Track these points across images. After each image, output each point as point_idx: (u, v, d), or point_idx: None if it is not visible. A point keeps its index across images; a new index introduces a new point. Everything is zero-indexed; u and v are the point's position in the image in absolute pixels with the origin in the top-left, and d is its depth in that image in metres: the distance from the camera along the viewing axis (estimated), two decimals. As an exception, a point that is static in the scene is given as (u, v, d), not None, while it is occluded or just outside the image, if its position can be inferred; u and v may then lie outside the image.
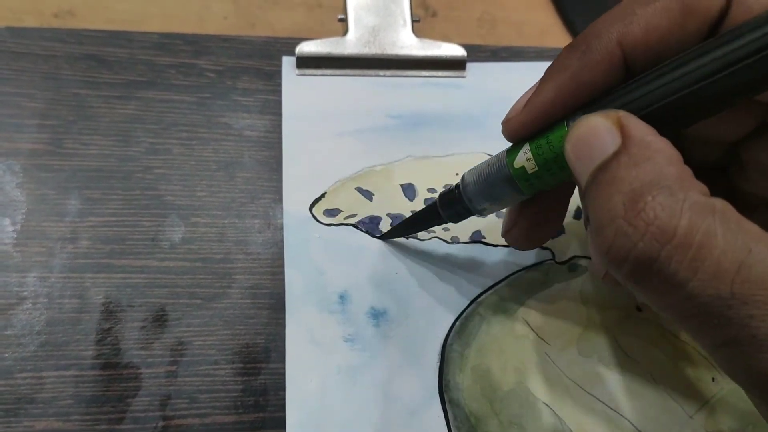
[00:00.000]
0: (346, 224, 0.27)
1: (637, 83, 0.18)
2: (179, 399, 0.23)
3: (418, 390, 0.24)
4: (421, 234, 0.27)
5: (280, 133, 0.30)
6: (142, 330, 0.24)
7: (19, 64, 0.30)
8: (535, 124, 0.20)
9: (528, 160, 0.20)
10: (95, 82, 0.30)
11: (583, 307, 0.26)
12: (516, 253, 0.28)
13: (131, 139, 0.29)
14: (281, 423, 0.23)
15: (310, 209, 0.28)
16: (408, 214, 0.28)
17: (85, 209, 0.27)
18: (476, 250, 0.27)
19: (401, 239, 0.27)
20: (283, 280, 0.26)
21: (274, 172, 0.29)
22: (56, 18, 0.32)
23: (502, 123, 0.21)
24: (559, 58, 0.19)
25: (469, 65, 0.33)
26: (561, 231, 0.28)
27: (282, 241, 0.27)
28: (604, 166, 0.17)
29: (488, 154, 0.31)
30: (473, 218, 0.28)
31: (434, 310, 0.26)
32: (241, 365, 0.24)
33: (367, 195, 0.28)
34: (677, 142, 0.17)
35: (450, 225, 0.28)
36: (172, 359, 0.24)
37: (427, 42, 0.33)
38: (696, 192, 0.15)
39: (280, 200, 0.28)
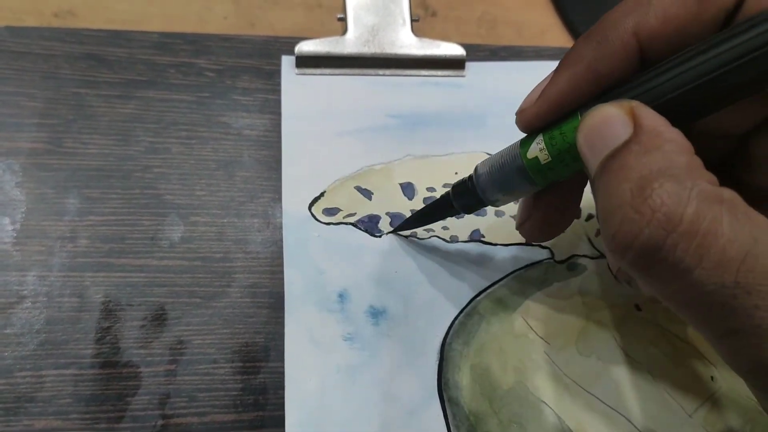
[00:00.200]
0: (346, 223, 0.27)
1: (651, 74, 0.18)
2: (178, 398, 0.23)
3: (417, 389, 0.24)
4: (420, 233, 0.27)
5: (279, 132, 0.30)
6: (141, 329, 0.24)
7: (18, 64, 0.30)
8: (549, 115, 0.20)
9: (541, 150, 0.20)
10: (95, 81, 0.30)
11: (582, 306, 0.26)
12: (515, 252, 0.28)
13: (131, 139, 0.29)
14: (280, 422, 0.23)
15: (309, 208, 0.28)
16: (407, 213, 0.28)
17: (85, 208, 0.27)
18: (475, 249, 0.27)
19: (401, 238, 0.27)
20: (283, 279, 0.26)
21: (273, 172, 0.29)
22: (56, 18, 0.32)
23: (516, 114, 0.21)
24: (574, 49, 0.19)
25: (468, 65, 0.33)
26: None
27: (281, 240, 0.27)
28: (614, 154, 0.17)
29: (487, 153, 0.31)
30: (472, 217, 0.28)
31: (433, 308, 0.26)
32: (240, 364, 0.24)
33: (367, 194, 0.28)
34: (686, 135, 0.17)
35: (449, 224, 0.28)
36: (171, 358, 0.24)
37: (427, 41, 0.33)
38: (704, 181, 0.15)
39: (279, 199, 0.28)
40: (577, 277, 0.27)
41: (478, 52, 0.34)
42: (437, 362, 0.24)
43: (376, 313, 0.25)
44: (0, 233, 0.26)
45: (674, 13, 0.18)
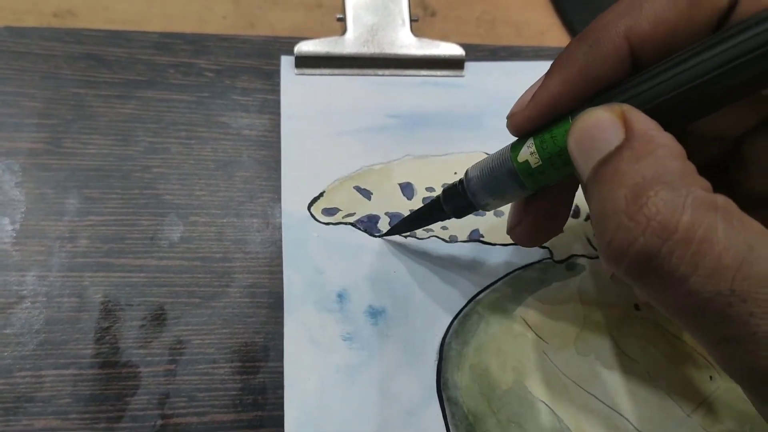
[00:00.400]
0: (345, 223, 0.27)
1: (643, 77, 0.18)
2: (178, 398, 0.23)
3: (416, 388, 0.24)
4: (420, 233, 0.27)
5: (278, 132, 0.30)
6: (140, 329, 0.24)
7: (18, 64, 0.30)
8: (541, 119, 0.20)
9: (532, 154, 0.20)
10: (94, 81, 0.30)
11: (581, 307, 0.26)
12: (514, 252, 0.28)
13: (130, 139, 0.29)
14: (279, 421, 0.23)
15: (309, 208, 0.28)
16: (407, 213, 0.28)
17: (84, 208, 0.27)
18: (474, 249, 0.27)
19: (400, 238, 0.27)
20: (282, 279, 0.26)
21: (272, 172, 0.29)
22: (56, 18, 0.32)
23: (507, 117, 0.21)
24: (565, 52, 0.19)
25: (467, 64, 0.33)
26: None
27: (280, 240, 0.27)
28: (606, 160, 0.16)
29: (486, 153, 0.31)
30: (471, 217, 0.28)
31: (432, 308, 0.26)
32: (239, 364, 0.24)
33: (366, 194, 0.28)
34: (679, 139, 0.17)
35: (448, 224, 0.28)
36: (170, 358, 0.24)
37: (426, 41, 0.33)
38: (698, 188, 0.15)
39: (279, 199, 0.28)
40: (575, 277, 0.27)
41: (478, 52, 0.34)
42: (436, 362, 0.24)
43: (375, 313, 0.25)
44: (-1, 233, 0.26)
45: (666, 16, 0.18)
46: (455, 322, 0.25)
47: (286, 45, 0.32)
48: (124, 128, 0.29)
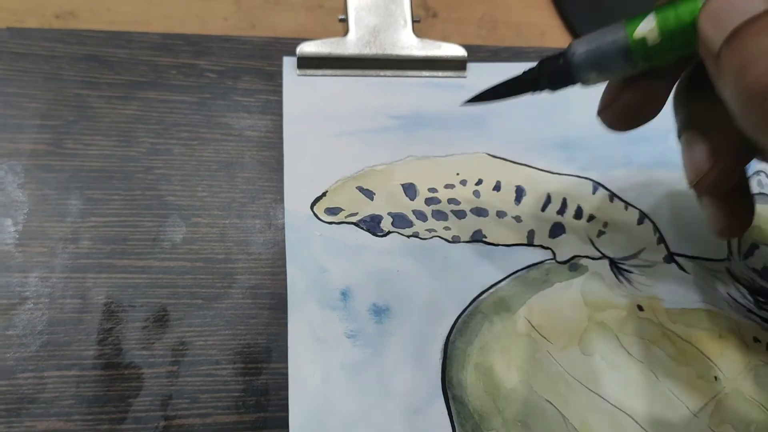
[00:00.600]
0: (348, 222, 0.27)
1: None
2: (180, 399, 0.23)
3: (421, 386, 0.24)
4: (423, 233, 0.27)
5: (280, 133, 0.30)
6: (143, 330, 0.24)
7: (20, 65, 0.30)
8: None
9: (651, 31, 0.19)
10: (96, 82, 0.30)
11: (585, 307, 0.26)
12: (517, 252, 0.28)
13: (132, 140, 0.29)
14: (283, 423, 0.23)
15: (312, 207, 0.28)
16: (409, 214, 0.28)
17: (87, 209, 0.27)
18: (477, 250, 0.27)
19: (401, 237, 0.27)
20: (284, 280, 0.26)
21: (274, 173, 0.29)
22: (57, 19, 0.32)
23: None
24: None
25: (469, 65, 0.33)
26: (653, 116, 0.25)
27: (283, 241, 0.27)
28: (751, 20, 0.16)
29: (489, 155, 0.31)
30: (474, 218, 0.28)
31: (436, 307, 0.26)
32: (242, 365, 0.24)
33: (368, 194, 0.28)
34: None
35: (451, 224, 0.28)
36: (173, 359, 0.24)
37: (428, 42, 0.33)
38: None
39: (281, 200, 0.28)
40: (579, 278, 0.27)
41: (479, 53, 0.34)
42: (441, 360, 0.24)
43: (379, 311, 0.25)
44: (2, 234, 0.26)
45: None
46: (459, 321, 0.25)
47: (288, 46, 0.32)
48: (126, 129, 0.29)
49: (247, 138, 0.30)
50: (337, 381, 0.23)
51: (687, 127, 0.23)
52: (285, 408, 0.23)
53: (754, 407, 0.24)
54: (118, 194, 0.27)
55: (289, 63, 0.32)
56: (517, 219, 0.29)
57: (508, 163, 0.30)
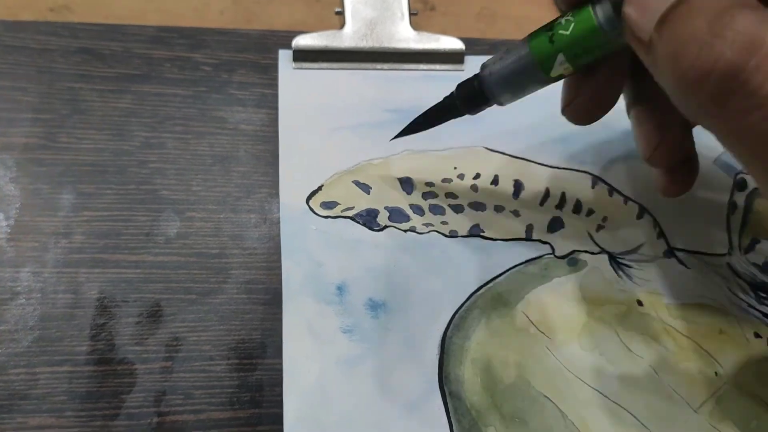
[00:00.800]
0: (344, 217, 0.27)
1: None
2: (174, 395, 0.23)
3: (417, 382, 0.23)
4: (420, 227, 0.27)
5: (276, 127, 0.30)
6: (136, 325, 0.24)
7: (13, 58, 0.29)
8: None
9: (550, 45, 0.20)
10: (90, 75, 0.30)
11: (584, 302, 0.26)
12: (515, 247, 0.27)
13: (126, 133, 0.28)
14: (277, 419, 0.23)
15: (307, 201, 0.27)
16: (406, 208, 0.28)
17: (79, 204, 0.26)
18: (475, 244, 0.27)
19: (398, 232, 0.27)
20: (279, 275, 0.25)
21: (270, 167, 0.29)
22: (51, 12, 0.32)
23: None
24: None
25: (467, 58, 0.33)
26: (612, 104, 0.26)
27: (278, 235, 0.27)
28: (677, 3, 0.16)
29: (487, 148, 0.31)
30: (472, 212, 0.28)
31: (433, 302, 0.25)
32: (236, 361, 0.24)
33: (365, 188, 0.28)
34: None
35: (448, 218, 0.28)
36: (166, 355, 0.24)
37: (425, 35, 0.32)
38: None
39: (276, 195, 0.28)
40: (578, 273, 0.27)
41: (477, 46, 0.34)
42: (438, 356, 0.24)
43: (376, 306, 0.25)
44: (-7, 229, 0.25)
45: None
46: (456, 316, 0.25)
47: (284, 39, 0.32)
48: (119, 123, 0.29)
49: (242, 132, 0.29)
50: (333, 377, 0.23)
51: (634, 103, 0.24)
52: (280, 404, 0.23)
53: (755, 403, 0.24)
54: (111, 188, 0.27)
55: (284, 56, 0.32)
56: (516, 213, 0.28)
57: (507, 156, 0.30)
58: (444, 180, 0.29)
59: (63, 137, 0.28)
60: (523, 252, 0.27)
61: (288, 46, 0.31)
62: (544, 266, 0.27)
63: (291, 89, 0.31)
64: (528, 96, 0.23)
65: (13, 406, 0.22)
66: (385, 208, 0.28)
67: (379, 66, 0.32)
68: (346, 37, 0.32)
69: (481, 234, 0.27)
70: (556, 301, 0.26)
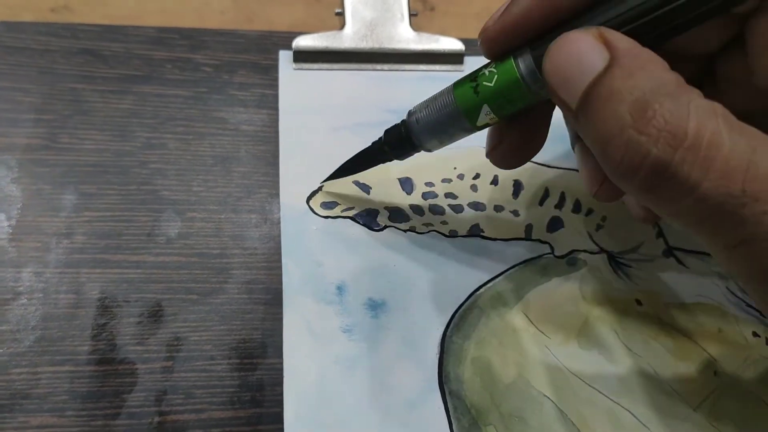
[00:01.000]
0: (344, 217, 0.27)
1: (614, 1, 0.18)
2: (175, 394, 0.23)
3: (417, 381, 0.24)
4: (419, 227, 0.27)
5: (276, 127, 0.30)
6: (137, 325, 0.24)
7: (14, 59, 0.30)
8: (513, 32, 0.19)
9: (473, 98, 0.21)
10: (91, 76, 0.30)
11: (583, 301, 0.26)
12: (514, 247, 0.27)
13: (127, 134, 0.29)
14: (278, 418, 0.23)
15: (307, 201, 0.27)
16: (406, 208, 0.28)
17: (81, 204, 0.27)
18: (474, 244, 0.27)
19: (398, 232, 0.27)
20: (280, 275, 0.26)
21: (270, 167, 0.29)
22: (52, 13, 0.32)
23: (479, 35, 0.20)
24: None
25: (467, 59, 0.33)
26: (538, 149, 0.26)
27: (278, 235, 0.27)
28: (597, 82, 0.16)
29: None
30: (472, 212, 0.28)
31: (433, 302, 0.25)
32: (237, 361, 0.24)
33: (365, 188, 0.28)
34: None
35: (448, 218, 0.28)
36: (168, 355, 0.24)
37: (425, 36, 0.32)
38: (696, 95, 0.16)
39: (277, 195, 0.28)
40: (577, 272, 0.27)
41: (477, 47, 0.34)
42: (437, 355, 0.24)
43: (375, 306, 0.25)
44: (-5, 229, 0.26)
45: None
46: (456, 315, 0.25)
47: (284, 39, 0.32)
48: (121, 124, 0.29)
49: (242, 132, 0.30)
50: (333, 376, 0.23)
51: (577, 138, 0.24)
52: (280, 403, 0.23)
53: (754, 402, 0.24)
54: (112, 189, 0.27)
55: (285, 57, 0.32)
56: (515, 213, 0.28)
57: (506, 157, 0.30)
58: (444, 180, 0.29)
59: (65, 138, 0.28)
60: (523, 252, 0.27)
61: (288, 46, 0.31)
62: (544, 266, 0.27)
63: (291, 90, 0.31)
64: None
65: (14, 406, 0.22)
66: (385, 208, 0.28)
67: (379, 67, 0.32)
68: (347, 38, 0.32)
69: (481, 234, 0.28)
70: (556, 301, 0.26)
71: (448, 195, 0.28)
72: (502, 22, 0.19)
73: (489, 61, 0.21)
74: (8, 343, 0.23)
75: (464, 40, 0.33)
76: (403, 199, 0.28)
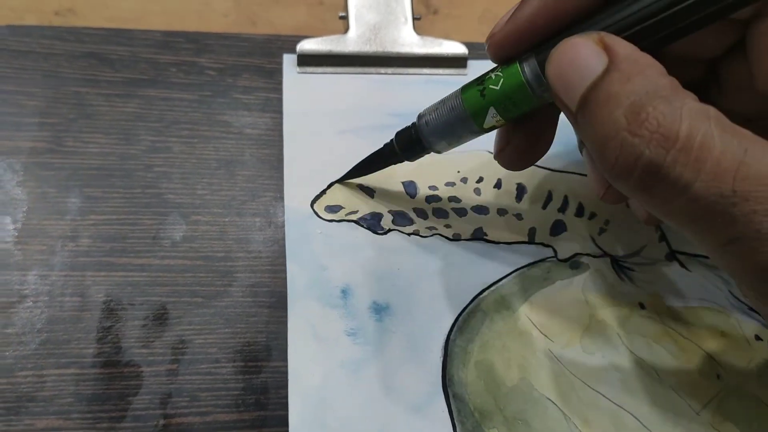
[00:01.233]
0: (348, 220, 0.27)
1: (616, 6, 0.18)
2: (180, 397, 0.23)
3: (421, 384, 0.24)
4: (423, 230, 0.27)
5: (280, 131, 0.30)
6: (143, 328, 0.24)
7: (19, 63, 0.30)
8: (520, 38, 0.20)
9: (481, 100, 0.21)
10: (96, 80, 0.30)
11: (586, 305, 0.26)
12: (518, 250, 0.27)
13: (132, 138, 0.29)
14: (282, 421, 0.23)
15: (312, 205, 0.27)
16: (409, 212, 0.28)
17: (86, 207, 0.27)
18: (478, 248, 0.27)
19: (402, 235, 0.27)
20: (284, 278, 0.26)
21: (274, 170, 0.29)
22: (57, 16, 0.32)
23: (486, 40, 0.21)
24: None
25: (470, 63, 0.33)
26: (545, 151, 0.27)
27: (283, 239, 0.27)
28: (595, 85, 0.17)
29: (490, 152, 0.31)
30: (475, 216, 0.28)
31: (437, 305, 0.25)
32: (242, 363, 0.24)
33: (369, 192, 0.28)
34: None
35: (452, 222, 0.28)
36: (173, 357, 0.24)
37: (429, 39, 0.33)
38: (690, 99, 0.16)
39: (281, 198, 0.28)
40: (580, 276, 0.27)
41: (480, 51, 0.34)
42: (441, 358, 0.24)
43: (380, 309, 0.25)
44: (1, 232, 0.26)
45: None
46: (459, 319, 0.25)
47: (288, 43, 0.32)
48: (126, 127, 0.29)
49: (247, 136, 0.30)
50: (337, 379, 0.23)
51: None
52: (285, 406, 0.23)
53: (757, 405, 0.24)
54: (117, 192, 0.27)
55: (289, 60, 0.32)
56: (518, 217, 0.28)
57: (509, 160, 0.30)
58: (447, 184, 0.29)
59: (69, 141, 0.28)
60: (526, 255, 0.27)
61: (292, 50, 0.32)
62: (547, 269, 0.27)
63: (295, 93, 0.31)
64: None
65: (20, 408, 0.22)
66: (389, 211, 0.28)
67: (382, 70, 0.32)
68: (350, 42, 0.32)
69: (484, 237, 0.28)
70: (559, 304, 0.26)
71: (451, 198, 0.28)
72: (509, 28, 0.20)
73: (496, 65, 0.21)
74: (14, 346, 0.23)
75: (467, 44, 0.33)
76: (407, 203, 0.28)
